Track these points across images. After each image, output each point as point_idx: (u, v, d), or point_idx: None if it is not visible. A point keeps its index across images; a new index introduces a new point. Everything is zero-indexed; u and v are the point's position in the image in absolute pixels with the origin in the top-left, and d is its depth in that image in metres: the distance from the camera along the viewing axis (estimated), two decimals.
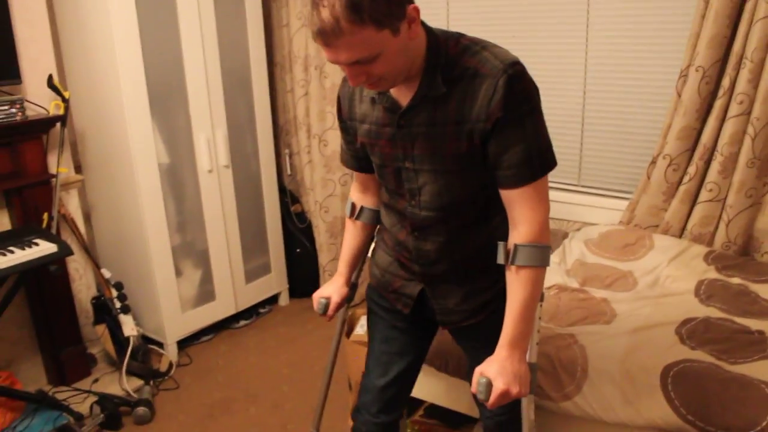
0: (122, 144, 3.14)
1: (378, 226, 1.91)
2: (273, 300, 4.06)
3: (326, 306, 1.92)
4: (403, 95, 1.51)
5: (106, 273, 3.26)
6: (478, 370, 1.52)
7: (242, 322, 3.83)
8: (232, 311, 3.74)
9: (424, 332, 1.90)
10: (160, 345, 3.46)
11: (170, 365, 3.36)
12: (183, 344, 3.55)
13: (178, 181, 3.38)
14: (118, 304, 3.22)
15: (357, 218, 1.93)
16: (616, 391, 2.05)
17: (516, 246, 1.50)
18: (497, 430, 1.90)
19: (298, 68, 3.72)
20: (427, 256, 1.68)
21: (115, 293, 3.23)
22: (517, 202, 1.49)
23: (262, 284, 3.90)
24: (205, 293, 3.60)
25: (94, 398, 3.00)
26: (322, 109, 3.74)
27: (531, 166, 1.45)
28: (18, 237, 2.76)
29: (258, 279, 3.87)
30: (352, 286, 1.98)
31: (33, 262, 2.63)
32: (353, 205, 1.93)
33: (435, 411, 2.74)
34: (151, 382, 3.18)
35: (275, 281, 3.99)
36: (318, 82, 3.69)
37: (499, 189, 1.52)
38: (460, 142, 1.48)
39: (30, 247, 2.67)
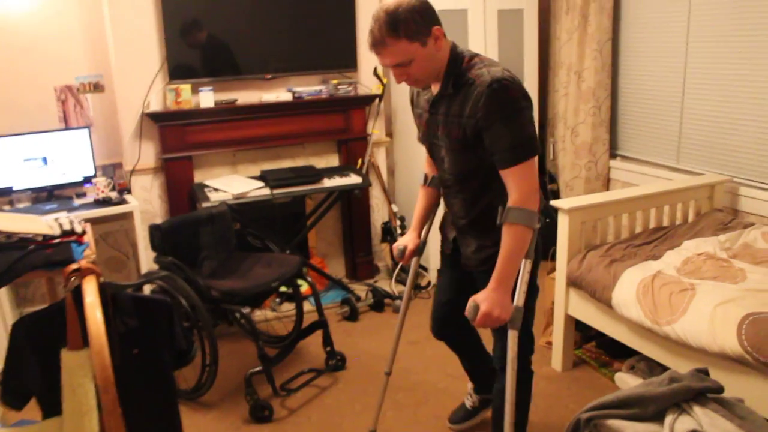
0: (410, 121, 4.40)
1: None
2: None
3: (403, 252, 2.47)
4: (435, 92, 2.11)
5: (395, 208, 4.60)
6: (472, 298, 1.99)
7: None
8: None
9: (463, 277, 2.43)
10: (425, 269, 4.70)
11: (428, 283, 4.56)
12: None
13: None
14: (399, 231, 4.52)
15: (428, 185, 2.47)
16: (704, 324, 2.58)
17: (507, 208, 1.95)
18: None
19: (563, 72, 4.61)
20: (454, 208, 2.26)
21: (398, 223, 4.54)
22: (508, 177, 1.96)
23: None
24: None
25: (370, 289, 4.35)
26: (577, 106, 4.56)
27: (515, 153, 1.92)
28: (340, 171, 4.25)
29: None
30: (423, 243, 2.52)
31: (345, 186, 4.07)
32: (426, 175, 2.47)
33: (603, 343, 3.47)
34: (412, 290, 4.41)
35: None
36: (576, 85, 4.53)
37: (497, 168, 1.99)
38: (459, 130, 2.02)
39: (346, 177, 4.11)
